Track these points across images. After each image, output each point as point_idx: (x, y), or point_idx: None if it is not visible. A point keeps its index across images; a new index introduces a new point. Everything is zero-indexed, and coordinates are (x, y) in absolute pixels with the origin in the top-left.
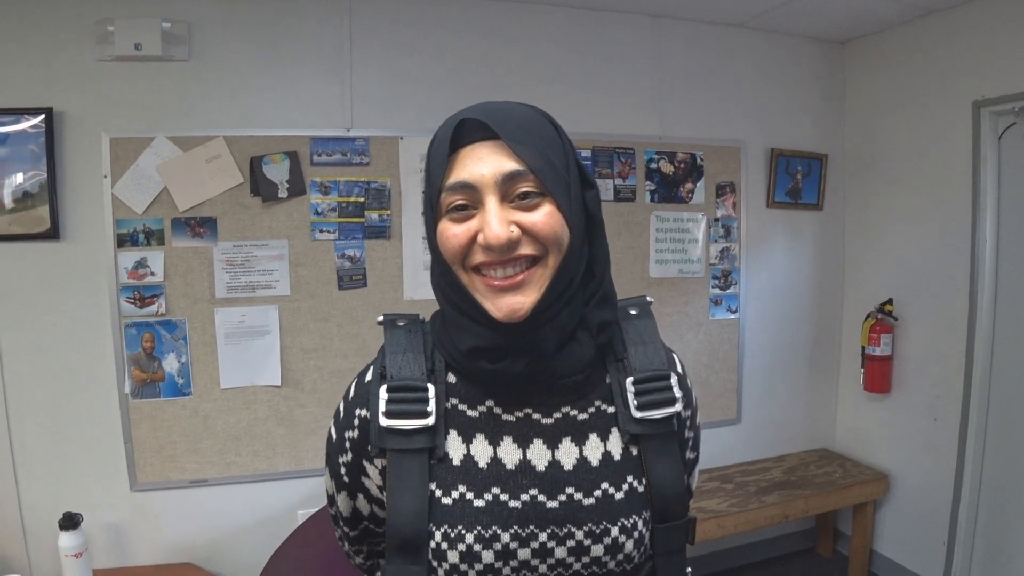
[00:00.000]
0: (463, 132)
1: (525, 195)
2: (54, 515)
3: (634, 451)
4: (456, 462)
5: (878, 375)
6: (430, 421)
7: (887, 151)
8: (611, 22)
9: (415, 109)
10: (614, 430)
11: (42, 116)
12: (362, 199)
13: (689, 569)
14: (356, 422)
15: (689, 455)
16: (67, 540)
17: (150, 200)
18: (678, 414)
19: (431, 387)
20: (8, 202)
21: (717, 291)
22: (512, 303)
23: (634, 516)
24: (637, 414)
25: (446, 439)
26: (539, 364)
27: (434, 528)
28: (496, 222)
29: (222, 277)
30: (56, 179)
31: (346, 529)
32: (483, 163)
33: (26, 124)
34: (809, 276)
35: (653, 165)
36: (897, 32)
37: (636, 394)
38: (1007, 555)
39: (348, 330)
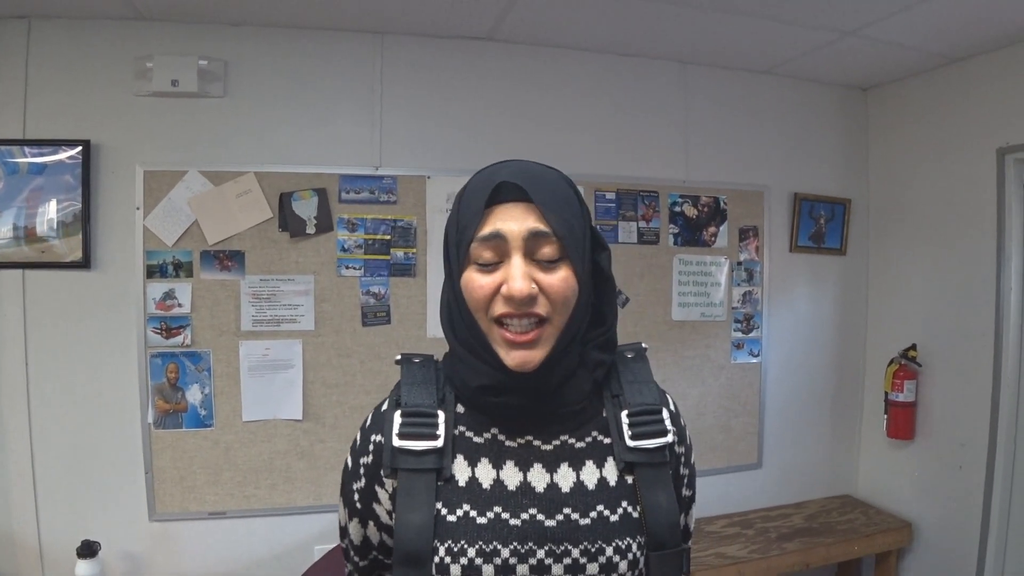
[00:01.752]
0: (499, 191)
1: (548, 261)
2: (72, 542)
3: (629, 479)
4: (461, 483)
5: (902, 421)
6: (439, 443)
7: (911, 196)
8: (639, 67)
9: (443, 149)
10: (610, 459)
11: (79, 148)
12: (388, 237)
13: None
14: (371, 447)
15: (685, 492)
16: (84, 568)
17: (180, 232)
18: (671, 448)
19: (441, 413)
20: (43, 230)
21: (739, 335)
22: (524, 356)
23: (628, 539)
24: (631, 443)
25: (453, 462)
26: (539, 399)
27: (438, 543)
28: (520, 276)
29: (248, 310)
30: (90, 209)
31: (356, 559)
32: (515, 221)
33: (63, 155)
34: (832, 321)
35: (677, 208)
36: (920, 79)
37: (630, 425)
38: None
39: (371, 367)
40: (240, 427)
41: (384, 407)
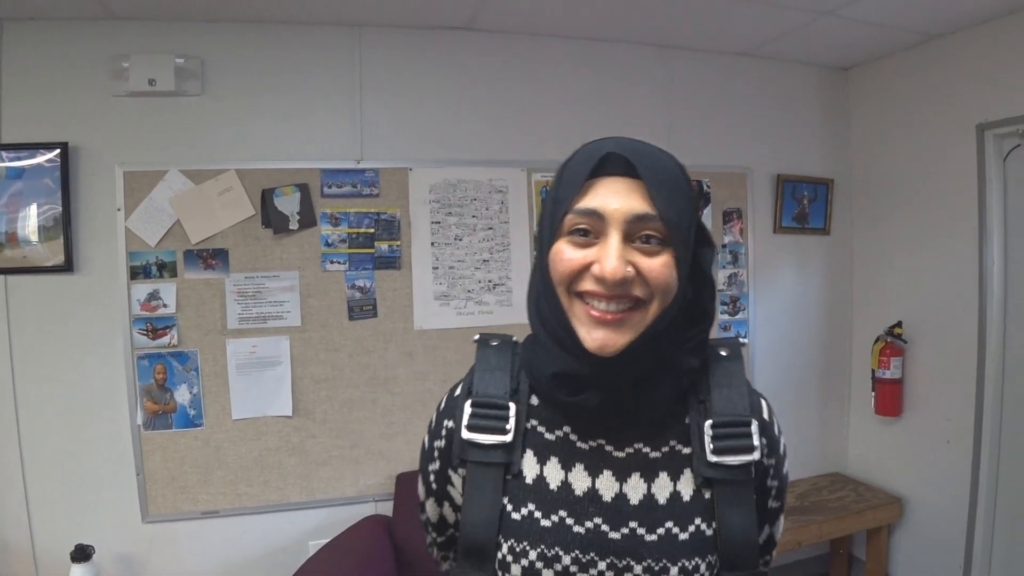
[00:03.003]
0: (605, 162)
1: (647, 239)
2: (66, 547)
3: (707, 495)
4: (529, 480)
5: (889, 398)
6: (508, 438)
7: (893, 175)
8: (620, 52)
9: (424, 141)
10: (687, 471)
11: (58, 150)
12: (372, 230)
13: None
14: (444, 432)
15: (772, 504)
16: (79, 572)
17: (163, 233)
18: (759, 462)
19: (512, 406)
20: (24, 235)
21: (726, 317)
22: (607, 338)
23: (697, 559)
24: (712, 458)
25: (522, 457)
26: (615, 400)
27: (502, 540)
28: (615, 257)
29: (234, 308)
30: (71, 212)
31: (434, 535)
32: (618, 197)
33: (42, 158)
34: (817, 300)
35: None
36: (900, 57)
37: (713, 438)
38: None
39: (359, 360)
40: (230, 425)
41: (457, 391)
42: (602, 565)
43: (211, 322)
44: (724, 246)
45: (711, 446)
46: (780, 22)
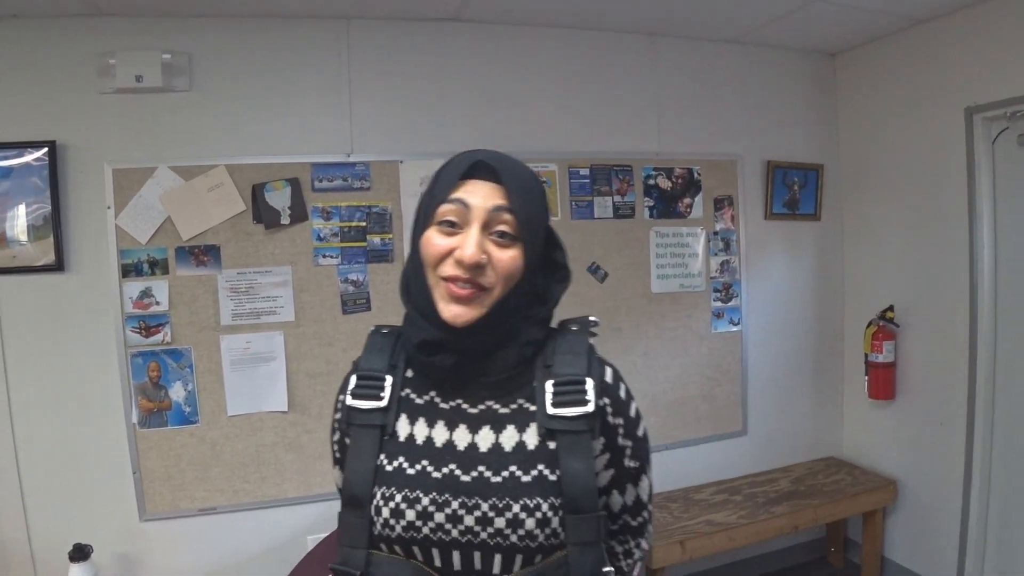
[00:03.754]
0: (474, 168)
1: (502, 234)
2: (64, 547)
3: (551, 445)
4: (402, 438)
5: (882, 382)
6: (383, 404)
7: (882, 159)
8: (608, 41)
9: (414, 133)
10: (532, 425)
11: (45, 149)
12: (364, 223)
13: (610, 569)
14: (339, 406)
15: (630, 463)
16: (77, 572)
17: (153, 230)
18: (605, 420)
19: (388, 377)
20: (13, 235)
21: (719, 304)
22: (459, 311)
23: (539, 499)
24: (552, 410)
25: (397, 420)
26: (466, 362)
27: (376, 489)
28: (474, 244)
29: (227, 305)
30: (60, 211)
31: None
32: (481, 194)
33: (30, 157)
34: (810, 286)
35: (651, 181)
36: (887, 42)
37: (553, 394)
38: (1020, 556)
39: (354, 354)
40: (226, 422)
41: (350, 371)
42: (455, 504)
43: (204, 319)
44: (716, 233)
45: (551, 400)
46: (770, 8)
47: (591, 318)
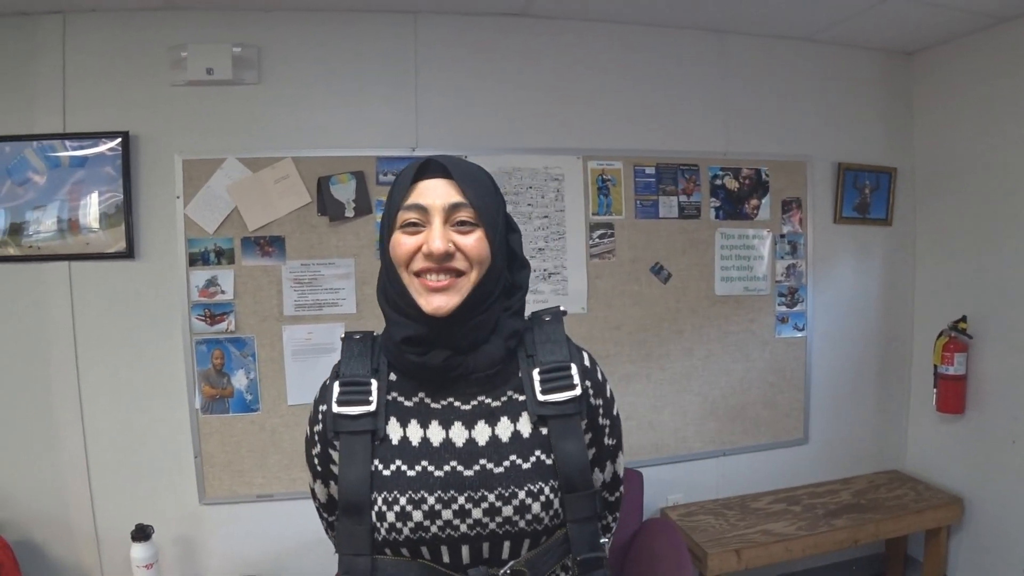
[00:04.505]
0: (425, 170)
1: (463, 223)
2: (126, 526)
3: (543, 431)
4: (395, 442)
5: (951, 395)
6: (372, 408)
7: (959, 163)
8: (675, 38)
9: (479, 128)
10: (524, 414)
11: (119, 139)
12: None
13: (605, 540)
14: (320, 416)
15: (608, 441)
16: (139, 551)
17: (221, 220)
18: (588, 402)
19: (374, 381)
20: (86, 222)
21: (783, 309)
22: (440, 301)
23: (540, 483)
24: (541, 397)
25: (387, 424)
26: (456, 359)
27: (376, 495)
28: (438, 237)
29: (290, 295)
30: (131, 200)
31: (325, 515)
32: (436, 193)
33: (104, 147)
34: (878, 293)
35: (718, 181)
36: (967, 41)
37: (541, 381)
38: None
39: None
40: (285, 411)
41: (328, 381)
42: (461, 499)
43: (268, 308)
44: (783, 236)
45: (539, 388)
46: (845, 5)
47: (560, 308)
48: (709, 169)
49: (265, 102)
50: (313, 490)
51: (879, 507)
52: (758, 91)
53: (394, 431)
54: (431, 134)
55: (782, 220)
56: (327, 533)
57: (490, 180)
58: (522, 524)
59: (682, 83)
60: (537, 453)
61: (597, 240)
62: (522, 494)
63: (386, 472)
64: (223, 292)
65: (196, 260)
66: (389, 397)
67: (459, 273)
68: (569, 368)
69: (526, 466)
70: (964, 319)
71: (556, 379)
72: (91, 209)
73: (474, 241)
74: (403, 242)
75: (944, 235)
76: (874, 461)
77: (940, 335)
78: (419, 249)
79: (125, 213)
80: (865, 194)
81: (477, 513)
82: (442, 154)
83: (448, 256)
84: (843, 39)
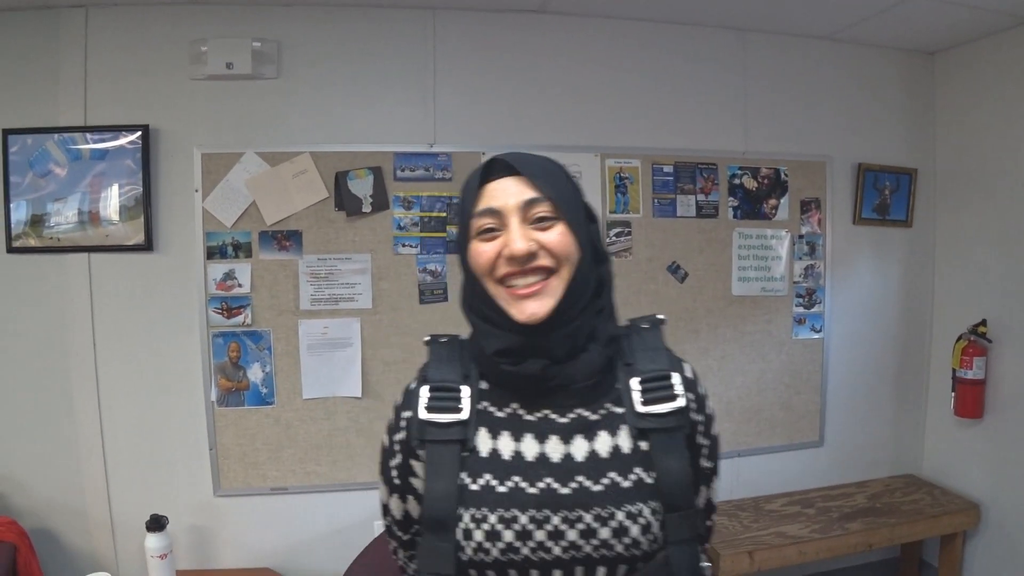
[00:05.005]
0: (492, 170)
1: (542, 219)
2: (142, 516)
3: (643, 446)
4: (484, 454)
5: (970, 399)
6: (463, 416)
7: (981, 165)
8: (695, 36)
9: (497, 125)
10: (623, 427)
11: (139, 133)
12: (444, 214)
13: (708, 564)
14: (403, 424)
15: (705, 464)
16: (153, 541)
17: (239, 214)
18: (686, 413)
19: (465, 388)
20: (106, 215)
21: (801, 310)
22: (532, 307)
23: (640, 504)
24: (642, 409)
25: (476, 435)
26: (554, 368)
27: (463, 510)
28: (518, 237)
29: (306, 289)
30: (151, 193)
31: (399, 533)
32: (507, 193)
33: (124, 140)
34: (897, 295)
35: (736, 181)
36: (990, 41)
37: (642, 392)
38: None
39: None
40: (300, 405)
41: (412, 386)
42: (556, 519)
43: (284, 302)
44: (801, 236)
45: (640, 399)
46: (867, 4)
47: (658, 316)
48: (728, 168)
49: (284, 97)
50: (387, 506)
51: (894, 511)
52: (778, 90)
53: (483, 443)
54: (448, 130)
55: (801, 220)
56: (396, 555)
57: (562, 169)
58: (619, 548)
59: (701, 81)
60: (637, 471)
61: (614, 238)
62: (621, 515)
63: (474, 487)
64: (240, 285)
65: (214, 253)
66: (480, 406)
67: (548, 273)
68: (670, 377)
69: (626, 484)
70: (984, 323)
71: (657, 389)
72: (111, 202)
73: (558, 236)
74: (482, 250)
75: (965, 237)
76: (890, 465)
77: (959, 339)
78: (500, 254)
79: (144, 206)
80: (885, 195)
81: (572, 535)
82: (506, 152)
83: (532, 256)
84: (864, 38)
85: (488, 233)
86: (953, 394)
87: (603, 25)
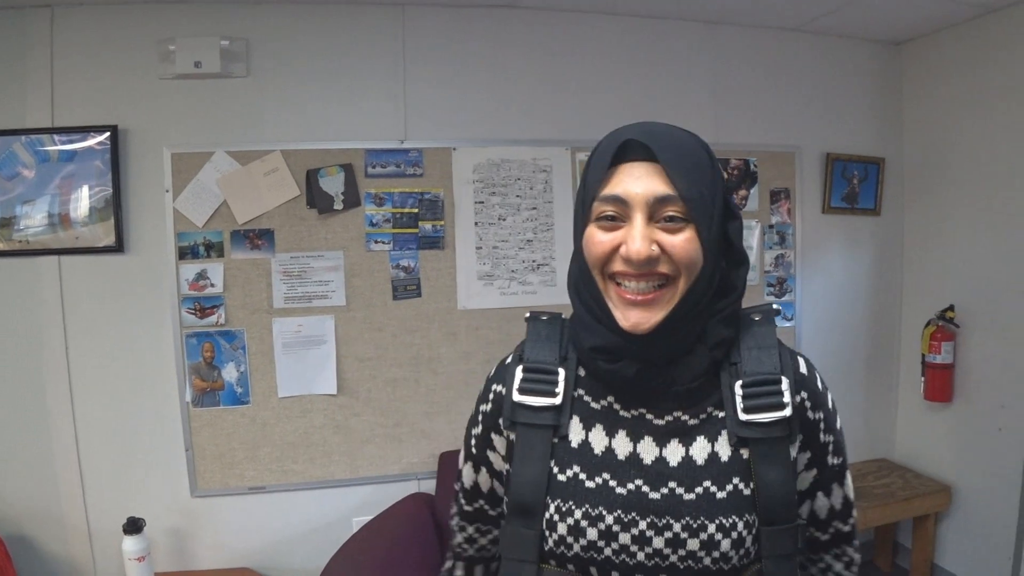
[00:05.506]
0: (625, 149)
1: (671, 218)
2: (118, 519)
3: (744, 454)
4: (574, 444)
5: (939, 384)
6: (557, 400)
7: (948, 153)
8: (664, 28)
9: (468, 120)
10: (723, 433)
11: (107, 133)
12: (416, 210)
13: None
14: (491, 396)
15: (833, 460)
16: (130, 544)
17: (210, 213)
18: (804, 416)
19: (561, 371)
20: (76, 216)
21: (772, 298)
22: (640, 317)
23: (734, 516)
24: (743, 417)
25: (569, 422)
26: (651, 371)
27: (549, 500)
28: (640, 238)
29: (279, 288)
30: (120, 194)
31: (463, 502)
32: (639, 182)
33: (92, 141)
34: (866, 283)
35: None
36: (956, 31)
37: (744, 397)
38: None
39: (403, 340)
40: (276, 403)
41: (508, 360)
42: (643, 524)
43: (257, 301)
44: (771, 226)
45: (741, 405)
46: None
47: (773, 305)
48: None
49: (254, 95)
50: (461, 472)
51: (868, 495)
52: (747, 81)
53: (575, 433)
54: (419, 126)
55: (771, 210)
56: (453, 520)
57: (706, 155)
58: (707, 561)
59: (671, 74)
60: (735, 481)
61: None
62: (712, 527)
63: (561, 477)
64: (213, 285)
65: (185, 253)
66: (575, 393)
67: (663, 280)
68: (779, 383)
69: (721, 495)
70: (952, 308)
71: (762, 395)
72: (81, 203)
73: (683, 241)
74: (599, 240)
75: (932, 225)
76: (863, 449)
77: (928, 324)
78: (617, 248)
79: (114, 207)
80: (854, 184)
81: (658, 542)
82: (645, 124)
83: (651, 261)
84: (832, 29)
85: (608, 221)
86: (923, 379)
87: (573, 19)
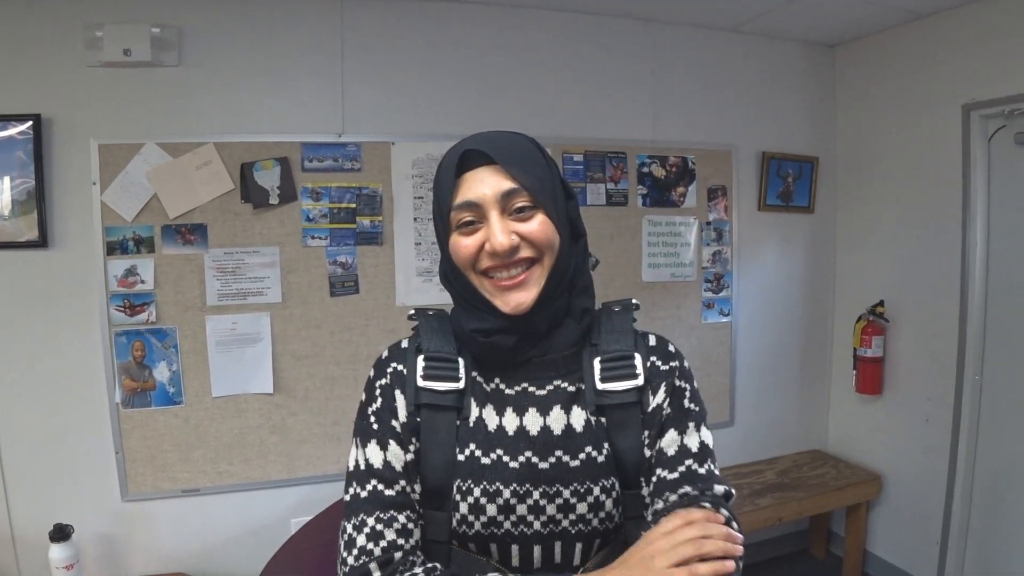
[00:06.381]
0: (466, 160)
1: (520, 209)
2: (44, 526)
3: (603, 421)
4: (471, 423)
5: (870, 377)
6: (460, 384)
7: (878, 154)
8: (605, 26)
9: (407, 114)
10: (587, 402)
11: (30, 122)
12: (354, 205)
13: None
14: (389, 371)
15: (689, 405)
16: (58, 552)
17: (140, 207)
18: (656, 369)
19: (461, 359)
20: None
21: (709, 294)
22: (517, 298)
23: (613, 478)
24: (600, 386)
25: (470, 404)
26: (529, 341)
27: (451, 481)
28: (500, 232)
29: (213, 284)
30: (44, 186)
31: (380, 488)
32: (484, 184)
33: (14, 131)
34: (801, 278)
35: (645, 169)
36: (887, 35)
37: (601, 370)
38: (1001, 554)
39: (340, 337)
40: (210, 403)
41: (404, 345)
42: (536, 494)
43: (190, 298)
44: (709, 223)
45: (599, 376)
46: None
47: (633, 300)
48: (637, 157)
49: (186, 85)
50: (368, 464)
51: (802, 486)
52: (686, 80)
53: (472, 412)
54: (357, 120)
55: (708, 207)
56: (366, 528)
57: (537, 149)
58: (595, 523)
59: (611, 71)
60: (605, 446)
61: None
62: (597, 490)
63: (460, 457)
64: (143, 282)
65: (114, 249)
66: (472, 375)
67: (530, 262)
68: (632, 358)
69: (600, 459)
70: (882, 303)
71: (617, 368)
72: (2, 196)
73: (538, 225)
74: (464, 244)
75: (863, 222)
76: (798, 441)
77: (859, 319)
78: (482, 247)
79: (37, 200)
80: (788, 183)
81: (551, 509)
82: (479, 134)
83: (514, 250)
84: (768, 30)
85: (468, 226)
86: (854, 372)
87: (514, 15)
